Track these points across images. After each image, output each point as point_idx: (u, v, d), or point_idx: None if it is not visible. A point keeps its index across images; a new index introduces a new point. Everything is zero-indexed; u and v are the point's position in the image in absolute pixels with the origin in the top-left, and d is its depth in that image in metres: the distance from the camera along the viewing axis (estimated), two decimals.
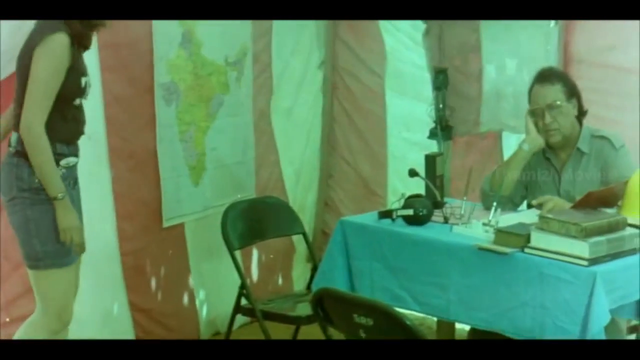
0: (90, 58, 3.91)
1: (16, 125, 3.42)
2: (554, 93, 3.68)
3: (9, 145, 3.48)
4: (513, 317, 3.21)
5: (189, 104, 4.46)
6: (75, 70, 3.44)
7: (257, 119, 4.88)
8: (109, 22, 3.52)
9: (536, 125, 3.73)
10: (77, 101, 3.51)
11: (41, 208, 3.42)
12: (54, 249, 3.44)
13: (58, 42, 3.35)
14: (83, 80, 3.49)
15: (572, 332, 3.08)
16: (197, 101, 4.51)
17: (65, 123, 3.45)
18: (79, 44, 3.47)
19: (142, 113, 4.28)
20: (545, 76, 3.75)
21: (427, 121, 4.93)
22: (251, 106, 4.85)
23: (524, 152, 3.74)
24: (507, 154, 4.60)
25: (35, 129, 3.34)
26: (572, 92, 3.72)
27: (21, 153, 3.41)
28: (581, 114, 3.76)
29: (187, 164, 4.52)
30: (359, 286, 3.62)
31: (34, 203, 3.42)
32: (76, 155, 3.53)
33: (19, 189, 3.43)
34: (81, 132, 3.57)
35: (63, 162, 3.45)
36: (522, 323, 3.19)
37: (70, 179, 3.51)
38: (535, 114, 3.73)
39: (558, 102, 3.67)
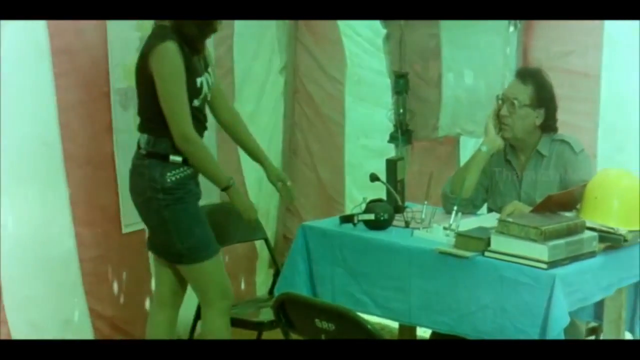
0: (43, 64, 3.89)
1: (140, 127, 3.67)
2: (519, 92, 3.68)
3: (139, 148, 3.64)
4: (474, 321, 3.22)
5: None
6: (190, 73, 3.55)
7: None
8: (220, 25, 3.66)
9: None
10: (196, 102, 3.62)
11: (176, 208, 3.59)
12: (194, 244, 3.63)
13: (167, 50, 3.50)
14: (198, 81, 3.61)
15: (532, 335, 3.10)
16: None
17: None
18: (191, 48, 3.58)
19: (98, 119, 4.24)
20: (523, 73, 3.76)
21: (386, 128, 4.94)
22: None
23: (483, 154, 3.76)
24: (464, 159, 4.63)
25: (190, 136, 3.55)
26: (542, 102, 3.68)
27: (152, 154, 3.57)
28: (548, 126, 3.73)
29: None
30: (321, 291, 3.62)
31: (168, 204, 3.59)
32: None
33: (153, 190, 3.59)
34: (204, 129, 3.72)
35: None
36: (483, 326, 3.21)
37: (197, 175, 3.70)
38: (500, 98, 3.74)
39: (515, 102, 3.67)
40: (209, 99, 3.75)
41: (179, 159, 3.61)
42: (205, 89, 3.67)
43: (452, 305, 3.28)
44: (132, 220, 4.39)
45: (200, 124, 3.69)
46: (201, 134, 3.69)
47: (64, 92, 4.06)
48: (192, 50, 3.61)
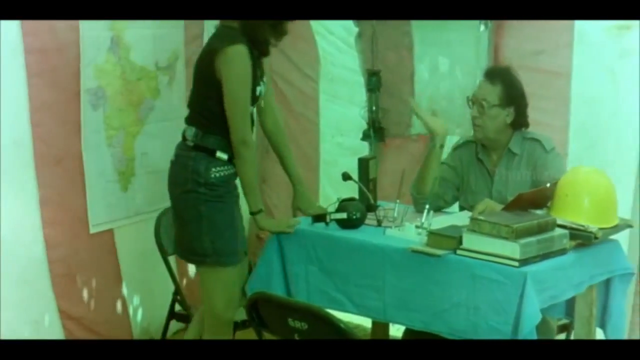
0: (16, 63, 3.86)
1: (190, 120, 3.66)
2: (488, 93, 3.69)
3: (184, 139, 3.63)
4: (447, 318, 3.24)
5: (117, 109, 4.42)
6: (253, 80, 3.54)
7: None
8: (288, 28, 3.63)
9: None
10: (250, 109, 3.61)
11: (215, 205, 3.54)
12: (222, 247, 3.57)
13: (239, 53, 3.48)
14: (258, 89, 3.61)
15: (504, 332, 3.11)
16: (126, 106, 4.46)
17: None
18: (260, 52, 3.58)
19: (68, 119, 4.22)
20: (491, 73, 3.76)
21: (360, 125, 4.95)
22: (184, 111, 4.80)
23: (435, 148, 3.76)
24: None
25: (249, 142, 3.56)
26: (511, 100, 3.69)
27: (200, 147, 3.57)
28: (518, 123, 3.75)
29: (116, 170, 4.47)
30: (295, 290, 3.62)
31: (208, 199, 3.54)
32: None
33: (195, 183, 3.54)
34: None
35: None
36: (457, 324, 3.22)
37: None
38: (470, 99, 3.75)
39: (484, 103, 3.68)
40: (262, 105, 3.75)
41: (225, 156, 3.58)
42: (260, 96, 3.68)
43: (425, 303, 3.29)
44: (99, 221, 4.39)
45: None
46: None
47: (37, 91, 4.03)
48: (261, 54, 3.60)
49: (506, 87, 3.69)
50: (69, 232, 4.29)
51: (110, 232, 4.50)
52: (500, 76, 3.72)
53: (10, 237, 3.42)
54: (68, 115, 4.21)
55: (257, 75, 3.60)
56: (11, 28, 3.85)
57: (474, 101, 3.72)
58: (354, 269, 3.47)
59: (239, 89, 3.51)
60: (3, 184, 3.49)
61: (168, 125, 4.69)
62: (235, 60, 3.49)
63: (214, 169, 3.58)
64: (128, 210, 4.52)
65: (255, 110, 3.73)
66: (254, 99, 3.62)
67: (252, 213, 3.62)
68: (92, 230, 4.37)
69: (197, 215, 3.58)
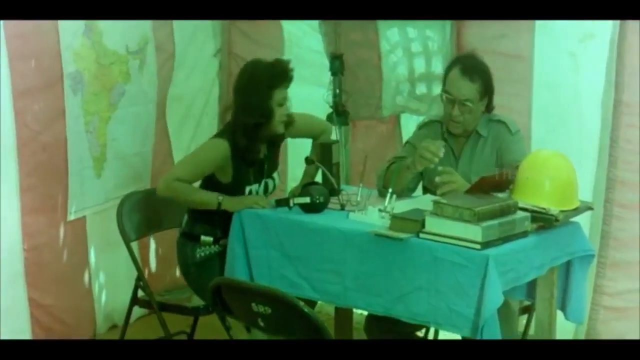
0: None
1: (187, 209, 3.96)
2: (470, 92, 3.65)
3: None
4: (408, 302, 3.25)
5: (93, 94, 4.40)
6: (239, 177, 3.85)
7: (160, 109, 4.84)
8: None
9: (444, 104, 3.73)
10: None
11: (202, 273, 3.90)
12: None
13: (214, 143, 3.82)
14: (248, 188, 3.88)
15: (466, 315, 3.13)
16: (100, 91, 4.44)
17: None
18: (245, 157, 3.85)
19: (52, 104, 4.20)
20: (468, 69, 3.67)
21: (327, 107, 4.94)
22: (155, 96, 4.80)
23: (415, 170, 3.66)
24: (406, 136, 4.65)
25: (183, 180, 3.81)
26: (486, 91, 3.69)
27: (188, 235, 3.96)
28: (489, 108, 3.76)
29: (92, 156, 4.45)
30: (257, 275, 3.61)
31: (197, 275, 3.94)
32: None
33: (186, 265, 3.97)
34: None
35: None
36: (417, 307, 3.23)
37: None
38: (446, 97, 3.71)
39: (469, 104, 3.65)
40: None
41: (210, 239, 3.88)
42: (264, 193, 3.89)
43: (386, 287, 3.29)
44: (76, 208, 4.36)
45: None
46: None
47: (20, 76, 4.00)
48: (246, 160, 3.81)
49: (483, 80, 3.68)
50: (47, 220, 4.28)
51: (83, 219, 4.47)
52: (478, 72, 3.68)
53: None
54: (51, 100, 4.19)
55: (244, 176, 3.80)
56: None
57: (458, 103, 3.67)
58: (315, 253, 3.47)
59: (194, 160, 3.83)
60: None
61: (137, 111, 4.69)
62: (209, 146, 3.80)
63: (198, 250, 3.87)
64: (100, 196, 4.50)
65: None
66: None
67: (218, 207, 3.71)
68: (70, 218, 4.36)
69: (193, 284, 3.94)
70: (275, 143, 3.94)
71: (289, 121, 3.83)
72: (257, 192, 3.84)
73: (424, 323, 3.35)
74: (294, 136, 4.09)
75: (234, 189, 3.79)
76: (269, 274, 3.58)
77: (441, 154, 3.52)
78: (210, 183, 3.80)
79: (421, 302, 3.21)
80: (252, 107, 3.72)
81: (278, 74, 3.78)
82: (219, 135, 3.84)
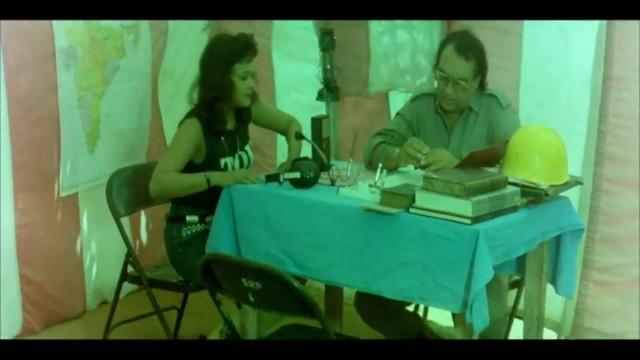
0: None
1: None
2: (465, 70, 3.64)
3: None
4: (393, 278, 3.24)
5: (86, 69, 4.37)
6: (212, 151, 3.90)
7: (154, 85, 4.82)
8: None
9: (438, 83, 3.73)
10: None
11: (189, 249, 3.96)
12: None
13: (188, 124, 3.87)
14: (223, 161, 3.92)
15: (453, 290, 3.13)
16: (93, 66, 4.41)
17: None
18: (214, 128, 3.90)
19: (44, 80, 4.18)
20: (463, 47, 3.65)
21: (316, 82, 4.93)
22: (149, 71, 4.77)
23: (400, 157, 3.66)
24: (394, 112, 4.65)
25: (170, 171, 3.84)
26: (480, 69, 3.68)
27: (173, 218, 3.99)
28: (482, 85, 3.76)
29: (85, 131, 4.43)
30: (245, 251, 3.61)
31: (185, 251, 3.96)
32: None
33: (173, 248, 3.98)
34: None
35: None
36: (403, 283, 3.23)
37: None
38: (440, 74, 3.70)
39: (463, 83, 3.65)
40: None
41: (195, 218, 3.92)
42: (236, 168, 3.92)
43: (371, 263, 3.29)
44: (68, 184, 4.35)
45: None
46: None
47: (12, 51, 3.98)
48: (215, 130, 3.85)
49: (477, 58, 3.66)
50: (39, 197, 4.27)
51: (75, 195, 4.46)
52: (473, 50, 3.66)
53: None
54: (43, 76, 4.17)
55: (217, 148, 3.81)
56: None
57: (452, 81, 3.65)
58: (302, 228, 3.45)
59: (175, 148, 3.83)
60: None
61: (132, 86, 4.66)
62: (182, 129, 3.82)
63: (184, 229, 3.91)
64: (92, 172, 4.48)
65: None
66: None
67: (208, 185, 3.73)
68: (63, 194, 4.35)
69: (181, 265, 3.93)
70: (242, 116, 3.98)
71: (254, 95, 3.91)
72: (232, 166, 3.87)
73: (409, 299, 3.34)
74: (260, 123, 4.11)
75: (209, 165, 3.81)
76: (255, 250, 3.57)
77: (425, 151, 3.52)
78: (184, 169, 3.82)
79: (407, 278, 3.21)
80: (211, 81, 3.80)
81: (238, 48, 3.82)
82: (187, 115, 3.88)
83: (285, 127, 4.08)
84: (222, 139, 3.87)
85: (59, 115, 4.25)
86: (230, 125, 3.93)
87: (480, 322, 3.08)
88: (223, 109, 3.86)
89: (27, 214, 4.21)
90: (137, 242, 4.84)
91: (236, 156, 3.92)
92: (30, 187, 4.21)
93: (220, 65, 3.80)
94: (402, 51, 4.75)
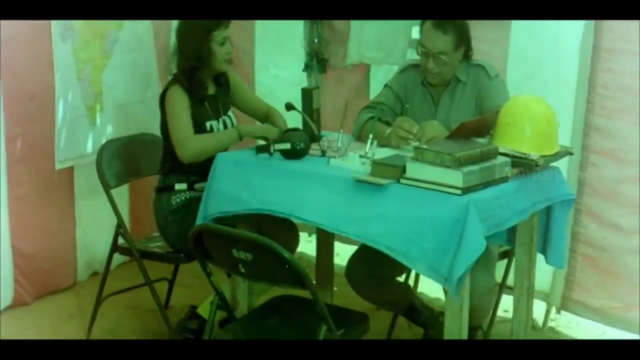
0: None
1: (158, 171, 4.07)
2: (444, 44, 3.63)
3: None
4: (386, 241, 3.23)
5: (84, 41, 4.34)
6: (198, 116, 3.94)
7: (164, 57, 4.78)
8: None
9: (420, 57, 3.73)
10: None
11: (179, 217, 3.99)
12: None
13: (172, 92, 3.93)
14: (208, 124, 3.95)
15: (446, 262, 3.11)
16: (92, 38, 4.39)
17: None
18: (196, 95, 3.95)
19: (39, 52, 4.15)
20: (440, 22, 3.63)
21: (297, 56, 4.92)
22: (152, 42, 4.73)
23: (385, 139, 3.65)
24: (374, 87, 4.65)
25: (190, 136, 3.87)
26: (462, 40, 3.67)
27: (162, 189, 4.01)
28: (467, 55, 3.75)
29: (85, 104, 4.40)
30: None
31: (174, 219, 3.98)
32: None
33: (163, 218, 4.00)
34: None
35: None
36: (396, 245, 3.21)
37: None
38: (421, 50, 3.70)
39: (444, 57, 3.64)
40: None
41: (184, 186, 3.94)
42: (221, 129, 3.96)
43: (361, 232, 3.28)
44: (64, 157, 4.33)
45: None
46: None
47: (5, 25, 3.95)
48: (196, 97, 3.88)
49: (458, 32, 3.65)
50: (34, 170, 4.27)
51: (70, 169, 4.45)
52: (450, 24, 3.64)
53: None
54: (38, 49, 4.14)
55: (202, 113, 3.87)
56: None
57: (432, 55, 3.65)
58: (294, 199, 3.43)
59: (178, 116, 3.80)
60: None
61: (134, 58, 4.63)
62: (170, 98, 3.83)
63: (174, 197, 3.92)
64: (93, 145, 4.45)
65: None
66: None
67: (240, 138, 3.80)
68: (58, 167, 4.34)
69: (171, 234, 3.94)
70: (220, 81, 4.01)
71: (231, 60, 3.95)
72: (217, 129, 3.92)
73: (402, 260, 3.31)
74: (238, 100, 4.11)
75: (196, 130, 3.83)
76: (243, 201, 3.55)
77: (415, 131, 3.52)
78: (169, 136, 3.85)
79: (400, 245, 3.20)
80: (190, 51, 3.83)
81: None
82: (169, 84, 3.90)
83: (266, 112, 4.10)
84: (206, 103, 3.91)
85: (55, 88, 4.22)
86: (211, 90, 3.97)
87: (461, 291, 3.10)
88: (203, 77, 3.90)
89: (21, 187, 4.20)
90: (128, 214, 4.83)
91: (220, 120, 3.95)
92: (24, 160, 4.20)
93: (199, 34, 3.82)
94: (380, 25, 4.71)
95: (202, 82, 3.90)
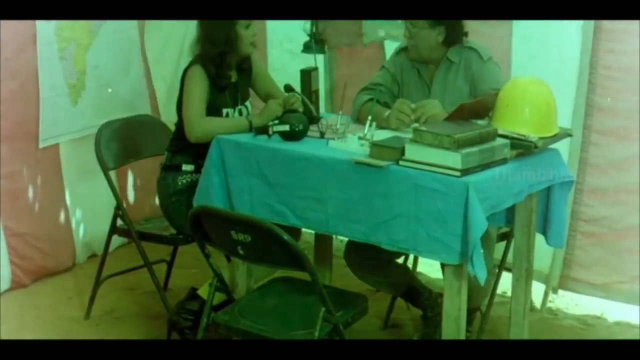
0: None
1: (167, 147, 4.04)
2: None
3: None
4: (388, 229, 3.25)
5: (68, 20, 4.31)
6: (215, 101, 3.90)
7: (140, 36, 4.79)
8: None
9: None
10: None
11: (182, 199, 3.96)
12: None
13: (193, 72, 3.86)
14: (225, 111, 3.92)
15: (445, 242, 3.13)
16: None
17: None
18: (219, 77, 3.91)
19: (22, 30, 4.13)
20: None
21: (304, 36, 4.89)
22: (136, 22, 4.71)
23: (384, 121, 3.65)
24: None
25: (202, 115, 3.83)
26: (439, 20, 3.67)
27: (169, 167, 3.98)
28: (452, 39, 3.72)
29: (67, 83, 4.39)
30: (238, 203, 3.60)
31: (178, 199, 3.95)
32: None
33: (167, 196, 3.95)
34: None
35: None
36: (397, 235, 3.24)
37: None
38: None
39: (412, 28, 3.67)
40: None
41: (190, 167, 3.92)
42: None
43: (366, 215, 3.29)
44: (48, 135, 4.32)
45: None
46: None
47: None
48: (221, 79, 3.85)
49: None
50: (20, 148, 4.25)
51: (55, 146, 4.44)
52: None
53: None
54: (21, 27, 4.11)
55: (220, 100, 3.83)
56: None
57: (407, 25, 3.69)
58: (296, 181, 3.45)
59: (193, 94, 3.77)
60: None
61: (120, 37, 4.61)
62: (191, 77, 3.79)
63: (180, 178, 3.89)
64: (76, 124, 4.45)
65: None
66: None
67: (251, 127, 3.71)
68: (42, 145, 4.32)
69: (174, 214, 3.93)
70: (242, 67, 3.96)
71: (255, 42, 3.91)
72: (233, 117, 3.88)
73: (404, 250, 3.36)
74: (259, 91, 4.09)
75: (210, 114, 3.80)
76: (250, 202, 3.56)
77: (412, 114, 3.52)
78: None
79: (401, 230, 3.22)
80: (217, 36, 3.78)
81: None
82: (192, 63, 3.85)
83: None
84: (226, 92, 3.88)
85: (37, 66, 4.20)
86: (234, 77, 3.93)
87: (482, 273, 3.09)
88: (231, 63, 3.86)
89: (7, 164, 4.19)
90: (127, 195, 4.83)
91: (237, 109, 3.91)
92: (9, 137, 4.18)
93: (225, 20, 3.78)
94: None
95: (230, 69, 3.87)
